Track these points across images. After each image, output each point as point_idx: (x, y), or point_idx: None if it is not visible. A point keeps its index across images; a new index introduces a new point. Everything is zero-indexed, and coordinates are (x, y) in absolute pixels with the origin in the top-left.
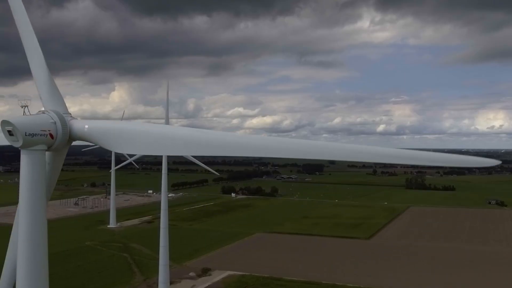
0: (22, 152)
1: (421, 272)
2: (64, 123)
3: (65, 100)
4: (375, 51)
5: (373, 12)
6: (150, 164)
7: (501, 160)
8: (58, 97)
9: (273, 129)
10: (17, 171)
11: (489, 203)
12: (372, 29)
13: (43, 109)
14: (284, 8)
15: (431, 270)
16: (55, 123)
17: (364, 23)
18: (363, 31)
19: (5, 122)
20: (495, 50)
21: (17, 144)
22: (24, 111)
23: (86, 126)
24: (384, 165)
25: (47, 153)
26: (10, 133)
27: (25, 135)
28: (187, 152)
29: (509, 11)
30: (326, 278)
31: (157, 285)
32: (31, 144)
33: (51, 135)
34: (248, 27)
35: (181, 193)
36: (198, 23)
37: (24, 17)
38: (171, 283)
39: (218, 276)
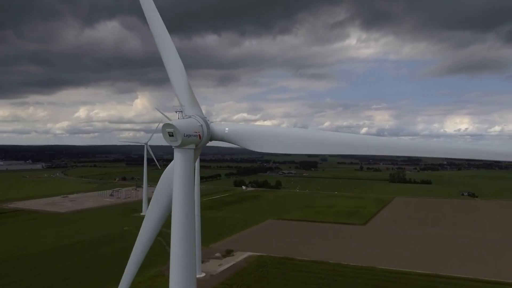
0: (176, 151)
1: (412, 253)
2: (207, 125)
3: (95, 107)
4: (360, 65)
5: (359, 32)
6: (169, 161)
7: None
8: (196, 104)
9: None
10: (58, 167)
11: (462, 194)
12: (359, 46)
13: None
14: (283, 28)
15: (420, 251)
16: (201, 125)
17: (352, 41)
18: (351, 47)
19: (167, 125)
20: (463, 65)
21: (175, 144)
22: (178, 116)
23: (227, 129)
24: (369, 162)
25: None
26: (169, 134)
27: (184, 136)
28: (320, 151)
29: (475, 31)
30: (331, 258)
31: None
32: (186, 143)
33: (199, 136)
34: (252, 45)
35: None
36: (209, 41)
37: (164, 34)
38: (201, 262)
39: (240, 256)
